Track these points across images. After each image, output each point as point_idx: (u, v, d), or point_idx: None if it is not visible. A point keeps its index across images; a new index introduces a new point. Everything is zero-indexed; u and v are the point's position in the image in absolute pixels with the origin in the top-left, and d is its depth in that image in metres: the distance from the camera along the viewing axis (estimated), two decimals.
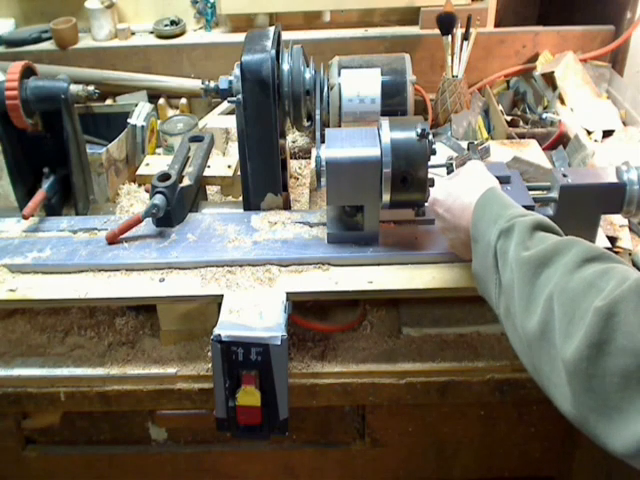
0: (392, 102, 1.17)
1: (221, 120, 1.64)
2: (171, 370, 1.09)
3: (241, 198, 1.25)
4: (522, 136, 1.53)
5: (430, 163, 1.04)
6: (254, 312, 1.00)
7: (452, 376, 1.09)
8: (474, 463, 1.26)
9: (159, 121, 1.62)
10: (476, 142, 1.39)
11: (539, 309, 0.69)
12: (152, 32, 1.83)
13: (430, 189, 1.03)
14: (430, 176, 1.04)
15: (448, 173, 1.29)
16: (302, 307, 1.13)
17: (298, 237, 1.14)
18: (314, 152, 1.35)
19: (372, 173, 1.04)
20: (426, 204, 1.06)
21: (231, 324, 0.98)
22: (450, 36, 1.64)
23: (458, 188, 0.95)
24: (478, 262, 0.86)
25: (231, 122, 1.53)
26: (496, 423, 1.20)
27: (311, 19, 1.85)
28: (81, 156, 1.28)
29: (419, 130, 1.02)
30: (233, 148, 1.54)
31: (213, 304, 1.07)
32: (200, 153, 1.31)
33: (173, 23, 1.83)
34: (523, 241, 0.76)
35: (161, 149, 1.58)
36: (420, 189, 1.04)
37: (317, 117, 1.16)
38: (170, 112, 1.76)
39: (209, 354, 1.05)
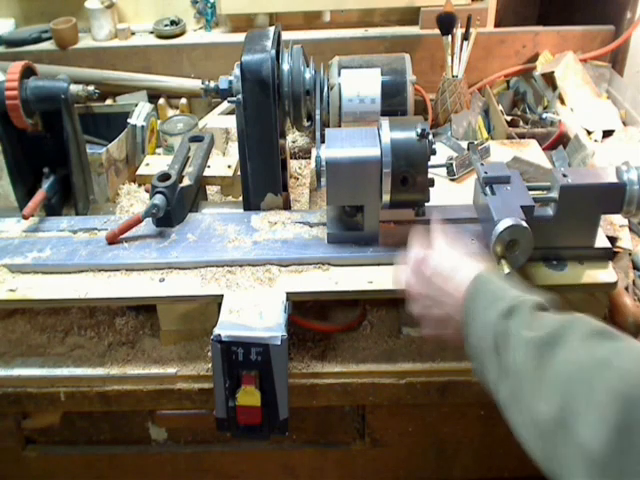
0: (392, 102, 1.17)
1: (221, 120, 1.64)
2: (171, 370, 1.09)
3: (241, 198, 1.25)
4: (522, 136, 1.54)
5: (430, 163, 1.04)
6: (254, 312, 1.00)
7: (452, 376, 1.09)
8: (474, 463, 1.26)
9: (159, 121, 1.62)
10: (476, 142, 1.39)
11: (552, 392, 0.65)
12: (152, 32, 1.84)
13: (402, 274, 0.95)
14: (430, 176, 1.04)
15: (448, 173, 1.29)
16: (302, 307, 1.13)
17: (298, 237, 1.14)
18: (314, 152, 1.35)
19: (372, 173, 1.04)
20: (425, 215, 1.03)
21: (231, 324, 0.98)
22: (450, 36, 1.64)
23: (435, 281, 0.88)
24: (473, 344, 0.80)
25: (231, 122, 1.53)
26: (496, 423, 1.19)
27: (311, 19, 1.85)
28: (81, 156, 1.28)
29: (419, 130, 1.02)
30: (233, 148, 1.54)
31: (213, 304, 1.07)
32: (200, 153, 1.31)
33: (173, 23, 1.83)
34: (527, 322, 0.72)
35: (161, 149, 1.58)
36: (420, 189, 1.04)
37: (317, 117, 1.16)
38: (170, 112, 1.76)
39: (209, 354, 1.05)
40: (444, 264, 0.88)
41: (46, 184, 1.23)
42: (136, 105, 1.58)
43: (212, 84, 1.17)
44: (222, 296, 1.04)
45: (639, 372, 0.59)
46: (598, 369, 0.62)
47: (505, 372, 0.73)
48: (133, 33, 1.85)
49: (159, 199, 1.13)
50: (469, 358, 0.82)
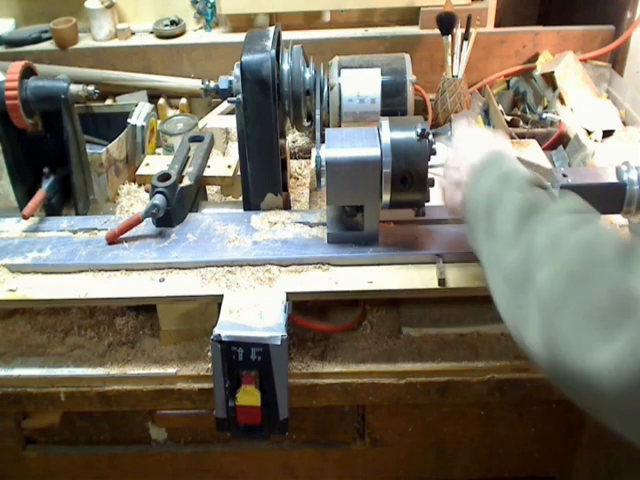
0: (392, 102, 1.17)
1: (221, 120, 1.64)
2: (171, 370, 1.09)
3: (241, 198, 1.25)
4: (522, 136, 1.53)
5: (430, 163, 1.04)
6: (254, 312, 1.00)
7: (452, 376, 1.09)
8: (474, 463, 1.26)
9: (159, 121, 1.62)
10: None
11: (524, 242, 0.70)
12: (152, 32, 1.83)
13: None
14: (430, 176, 1.04)
15: None
16: (302, 307, 1.13)
17: (298, 237, 1.14)
18: (314, 152, 1.35)
19: (372, 173, 1.04)
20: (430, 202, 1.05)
21: (231, 324, 0.98)
22: (450, 36, 1.64)
23: (470, 146, 0.95)
24: (470, 208, 0.86)
25: (231, 122, 1.53)
26: (496, 423, 1.20)
27: (311, 19, 1.85)
28: (81, 156, 1.28)
29: (419, 130, 1.02)
30: (233, 148, 1.54)
31: (213, 304, 1.07)
32: (200, 153, 1.31)
33: (173, 23, 1.83)
34: (520, 187, 0.78)
35: (161, 149, 1.58)
36: (420, 189, 1.04)
37: (317, 117, 1.16)
38: (170, 112, 1.75)
39: (209, 354, 1.05)
40: (480, 133, 0.99)
41: (46, 184, 1.23)
42: (136, 105, 1.58)
43: (212, 84, 1.17)
44: (222, 296, 1.04)
45: (604, 236, 0.65)
46: (568, 227, 0.68)
47: (491, 233, 0.78)
48: (133, 33, 1.84)
49: (159, 199, 1.13)
50: (467, 227, 0.88)
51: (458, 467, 1.26)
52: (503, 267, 0.73)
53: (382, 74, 1.18)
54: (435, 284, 1.05)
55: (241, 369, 0.98)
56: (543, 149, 1.45)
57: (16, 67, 1.18)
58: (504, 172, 0.83)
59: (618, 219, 1.21)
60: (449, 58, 1.66)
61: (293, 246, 1.12)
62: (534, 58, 1.78)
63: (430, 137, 1.03)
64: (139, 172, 1.39)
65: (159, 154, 1.58)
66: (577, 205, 0.74)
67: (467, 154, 0.93)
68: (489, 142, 0.95)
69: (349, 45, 1.74)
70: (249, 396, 0.98)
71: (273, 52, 1.11)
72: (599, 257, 0.62)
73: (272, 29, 1.19)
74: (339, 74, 1.18)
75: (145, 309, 1.16)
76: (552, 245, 0.67)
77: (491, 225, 0.78)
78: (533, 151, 1.42)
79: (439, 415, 1.18)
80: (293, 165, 1.53)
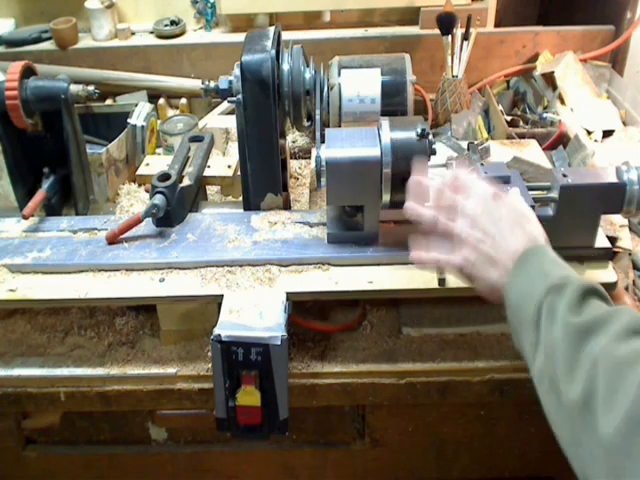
0: (392, 102, 1.17)
1: (221, 120, 1.64)
2: (171, 370, 1.09)
3: (241, 198, 1.25)
4: (522, 136, 1.53)
5: (430, 163, 1.04)
6: (254, 312, 1.00)
7: (452, 376, 1.09)
8: (474, 463, 1.26)
9: (159, 121, 1.62)
10: (476, 142, 1.39)
11: (582, 375, 0.65)
12: (152, 32, 1.84)
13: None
14: (430, 176, 1.04)
15: None
16: (302, 307, 1.13)
17: (298, 237, 1.14)
18: (314, 152, 1.35)
19: (372, 173, 1.04)
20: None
21: (231, 324, 0.98)
22: (450, 36, 1.64)
23: (505, 219, 0.84)
24: (513, 305, 0.78)
25: (231, 122, 1.53)
26: (496, 423, 1.20)
27: (311, 19, 1.85)
28: (81, 156, 1.28)
29: (419, 130, 1.02)
30: (233, 148, 1.54)
31: (213, 304, 1.07)
32: (200, 153, 1.31)
33: (173, 23, 1.83)
34: (575, 304, 0.71)
35: (161, 149, 1.58)
36: None
37: (317, 117, 1.16)
38: (170, 112, 1.76)
39: (209, 354, 1.05)
40: (520, 206, 0.86)
41: (46, 184, 1.23)
42: (136, 105, 1.58)
43: (212, 84, 1.17)
44: (222, 296, 1.04)
45: None
46: (630, 360, 0.62)
47: (542, 347, 0.71)
48: (133, 33, 1.85)
49: (159, 199, 1.13)
50: (510, 324, 0.79)
51: (458, 467, 1.26)
52: (562, 398, 0.67)
53: (382, 74, 1.18)
54: (435, 284, 1.05)
55: (241, 369, 0.98)
56: (543, 149, 1.45)
57: (16, 67, 1.18)
58: (555, 281, 0.74)
59: (618, 219, 1.22)
60: (449, 58, 1.66)
61: (293, 246, 1.12)
62: (534, 58, 1.78)
63: (430, 137, 1.03)
64: (139, 172, 1.39)
65: (159, 154, 1.58)
66: (637, 325, 0.67)
67: (512, 227, 0.83)
68: (520, 219, 0.85)
69: (349, 45, 1.74)
70: (249, 396, 0.98)
71: (273, 52, 1.11)
72: None
73: (272, 29, 1.19)
74: (339, 74, 1.18)
75: (145, 309, 1.16)
76: (618, 384, 0.61)
77: (544, 341, 0.71)
78: (533, 151, 1.42)
79: (439, 415, 1.18)
80: (293, 165, 1.53)
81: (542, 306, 0.73)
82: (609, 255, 1.10)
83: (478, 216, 0.85)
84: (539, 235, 0.83)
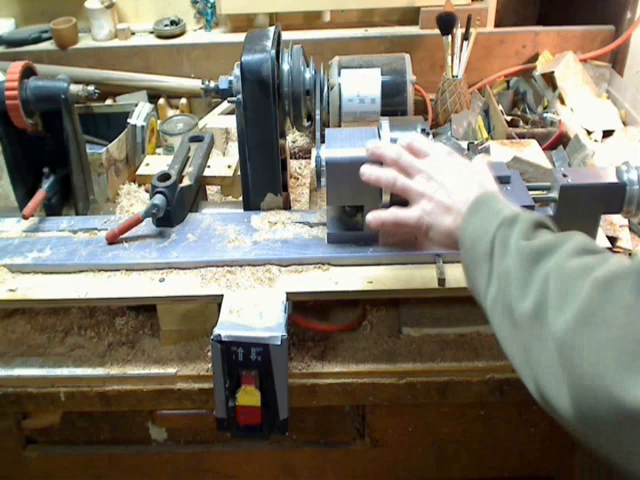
0: (392, 102, 1.17)
1: (221, 120, 1.64)
2: (171, 370, 1.09)
3: (241, 198, 1.25)
4: (522, 136, 1.53)
5: None
6: (254, 312, 1.00)
7: (452, 376, 1.09)
8: (474, 463, 1.26)
9: (159, 121, 1.62)
10: (476, 142, 1.39)
11: (534, 289, 0.68)
12: (152, 32, 1.84)
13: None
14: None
15: None
16: (302, 307, 1.13)
17: (298, 237, 1.14)
18: (314, 152, 1.35)
19: None
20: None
21: (231, 324, 0.98)
22: (450, 36, 1.64)
23: (462, 173, 0.88)
24: (466, 246, 0.81)
25: (231, 122, 1.53)
26: (496, 423, 1.20)
27: (311, 19, 1.85)
28: (81, 156, 1.28)
29: (419, 130, 1.02)
30: (233, 148, 1.54)
31: (213, 304, 1.07)
32: (200, 153, 1.31)
33: (173, 23, 1.83)
34: (526, 233, 0.74)
35: (161, 149, 1.58)
36: None
37: (317, 117, 1.16)
38: (170, 112, 1.76)
39: (209, 354, 1.05)
40: (478, 166, 0.91)
41: (46, 184, 1.23)
42: (136, 105, 1.58)
43: (212, 84, 1.17)
44: (222, 296, 1.04)
45: (618, 266, 0.62)
46: (579, 269, 0.65)
47: (496, 277, 0.74)
48: (133, 33, 1.85)
49: (159, 199, 1.13)
50: (463, 268, 0.83)
51: (458, 467, 1.26)
52: (515, 315, 0.69)
53: (382, 74, 1.18)
54: (435, 284, 1.05)
55: (241, 369, 0.98)
56: (543, 149, 1.45)
57: (16, 67, 1.18)
58: (507, 215, 0.77)
59: (618, 219, 1.22)
60: (449, 58, 1.66)
61: (293, 246, 1.12)
62: (534, 58, 1.78)
63: (430, 137, 1.03)
64: (139, 172, 1.39)
65: (159, 154, 1.58)
66: (586, 245, 0.70)
67: (455, 187, 0.87)
68: (476, 175, 0.89)
69: (349, 45, 1.74)
70: (249, 396, 0.98)
71: (273, 52, 1.11)
72: (617, 295, 0.59)
73: (272, 29, 1.19)
74: (339, 74, 1.18)
75: (145, 309, 1.16)
76: (568, 289, 0.64)
77: (497, 270, 0.74)
78: (533, 151, 1.42)
79: (439, 415, 1.18)
80: (293, 165, 1.53)
81: (495, 239, 0.76)
82: None
83: (434, 170, 0.89)
84: (494, 190, 0.87)
